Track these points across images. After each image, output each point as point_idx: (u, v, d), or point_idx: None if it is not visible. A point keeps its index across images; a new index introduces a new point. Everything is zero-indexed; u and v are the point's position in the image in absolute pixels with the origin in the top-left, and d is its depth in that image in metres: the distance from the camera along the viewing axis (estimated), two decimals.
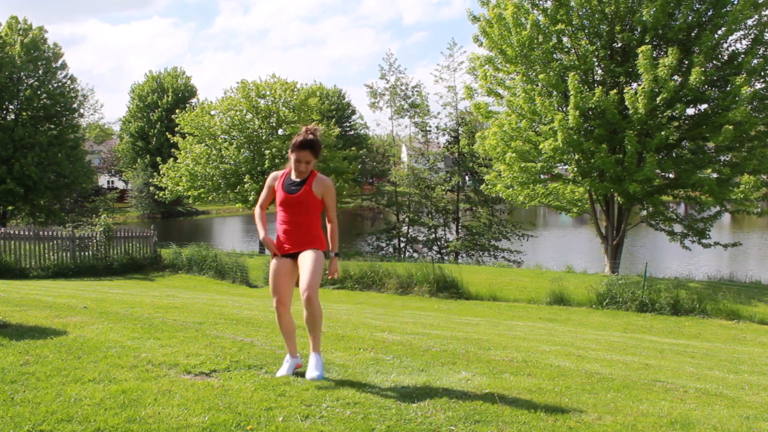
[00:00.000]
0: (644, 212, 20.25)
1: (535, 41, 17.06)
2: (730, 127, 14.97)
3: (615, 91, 16.36)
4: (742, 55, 16.61)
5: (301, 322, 4.20)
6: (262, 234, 4.18)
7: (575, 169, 17.68)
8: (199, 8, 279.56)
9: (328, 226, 4.23)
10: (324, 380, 4.01)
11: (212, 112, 29.42)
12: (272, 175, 4.28)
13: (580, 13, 17.30)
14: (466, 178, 31.61)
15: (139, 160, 57.39)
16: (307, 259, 4.08)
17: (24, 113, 31.89)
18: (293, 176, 4.15)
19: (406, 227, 30.68)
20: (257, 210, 4.31)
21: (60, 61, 33.28)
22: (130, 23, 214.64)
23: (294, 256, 4.16)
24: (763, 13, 16.58)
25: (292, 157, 4.09)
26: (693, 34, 16.72)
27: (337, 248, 4.28)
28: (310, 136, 4.05)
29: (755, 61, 16.18)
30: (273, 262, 4.20)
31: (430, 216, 30.22)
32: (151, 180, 39.08)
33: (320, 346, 4.20)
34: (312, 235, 4.15)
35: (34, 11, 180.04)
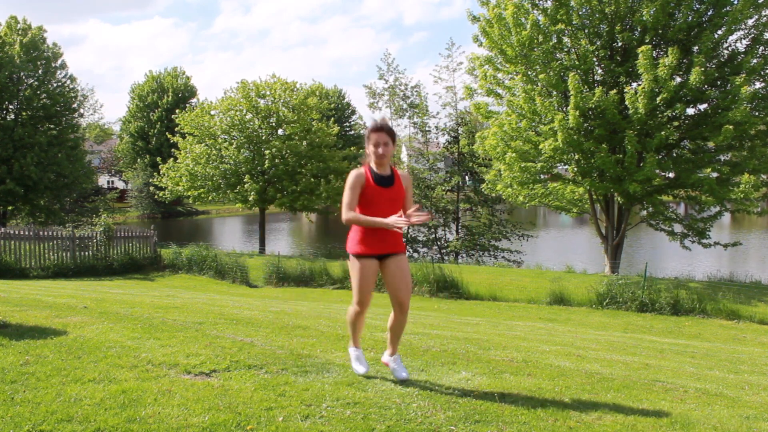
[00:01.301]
0: (644, 212, 20.24)
1: (535, 41, 17.06)
2: (730, 126, 14.97)
3: (615, 91, 16.36)
4: (742, 55, 16.61)
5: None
6: (384, 220, 3.82)
7: (575, 169, 17.68)
8: (200, 8, 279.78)
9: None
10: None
11: (212, 112, 29.41)
12: (354, 174, 3.96)
13: (580, 12, 17.29)
14: (466, 178, 31.61)
15: (139, 160, 57.40)
16: (403, 266, 4.00)
17: (24, 113, 31.89)
18: (377, 169, 3.97)
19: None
20: (351, 214, 3.90)
21: (59, 61, 33.28)
22: (130, 23, 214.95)
23: (379, 257, 4.02)
24: (763, 13, 16.58)
25: (370, 143, 3.95)
26: (693, 34, 16.72)
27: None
28: (383, 120, 4.02)
29: (754, 60, 16.17)
30: (360, 267, 3.95)
31: (429, 216, 30.19)
32: (151, 180, 39.08)
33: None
34: (400, 233, 4.05)
35: (35, 11, 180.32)
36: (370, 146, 3.96)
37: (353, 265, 4.01)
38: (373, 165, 4.00)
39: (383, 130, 3.96)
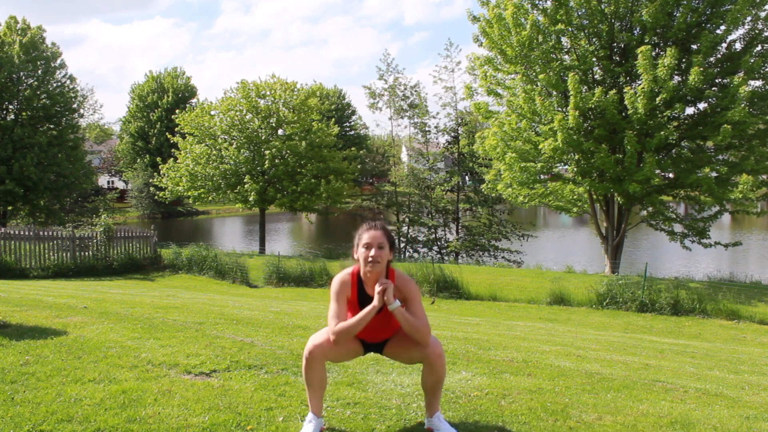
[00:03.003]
0: (644, 212, 20.24)
1: (535, 41, 17.06)
2: (729, 126, 14.98)
3: (614, 91, 16.36)
4: (741, 54, 16.61)
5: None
6: (372, 304, 3.15)
7: (575, 169, 17.69)
8: (201, 8, 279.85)
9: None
10: None
11: (212, 113, 29.41)
12: (338, 282, 3.28)
13: (580, 13, 17.30)
14: (466, 178, 31.60)
15: (139, 160, 57.39)
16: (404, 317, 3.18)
17: (23, 113, 31.87)
18: (366, 281, 3.27)
19: (406, 227, 30.68)
20: (340, 326, 3.16)
21: (58, 61, 33.26)
22: (132, 23, 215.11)
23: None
24: (762, 8, 16.57)
25: (361, 243, 3.23)
26: (692, 33, 16.72)
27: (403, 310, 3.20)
28: (380, 222, 3.35)
29: (752, 60, 16.16)
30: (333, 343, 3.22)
31: (430, 216, 30.22)
32: (151, 180, 39.07)
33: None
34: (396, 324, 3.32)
35: (36, 11, 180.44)
36: (361, 248, 3.22)
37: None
38: (362, 273, 3.27)
39: (378, 228, 3.25)
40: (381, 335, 3.35)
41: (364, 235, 3.23)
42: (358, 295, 3.27)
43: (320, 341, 3.21)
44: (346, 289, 3.26)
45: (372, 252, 3.17)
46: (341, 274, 3.31)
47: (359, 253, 3.23)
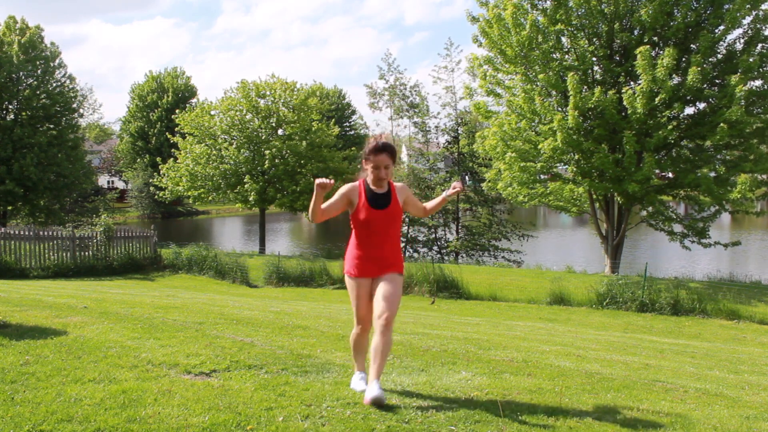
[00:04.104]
0: (644, 212, 20.23)
1: (535, 41, 17.06)
2: (725, 126, 14.99)
3: (614, 91, 16.36)
4: (739, 54, 16.61)
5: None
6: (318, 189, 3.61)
7: (575, 169, 17.69)
8: (202, 8, 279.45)
9: (427, 205, 4.14)
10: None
11: (212, 112, 29.40)
12: (348, 186, 3.82)
13: (579, 13, 17.30)
14: (466, 178, 31.59)
15: (139, 160, 57.38)
16: (390, 283, 3.74)
17: (23, 113, 31.87)
18: (374, 186, 3.81)
19: (406, 227, 30.69)
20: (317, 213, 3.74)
21: (57, 61, 33.26)
22: (132, 23, 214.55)
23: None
24: (761, 8, 16.57)
25: (369, 164, 3.76)
26: (691, 33, 16.73)
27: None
28: (385, 141, 3.79)
29: (751, 59, 16.16)
30: (353, 285, 3.83)
31: (430, 216, 30.20)
32: (151, 180, 39.06)
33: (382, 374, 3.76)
34: (397, 252, 3.88)
35: (36, 11, 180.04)
36: (370, 167, 3.77)
37: (348, 285, 3.91)
38: (369, 181, 3.82)
39: (385, 151, 3.74)
40: (385, 230, 3.82)
41: (373, 157, 3.73)
42: (368, 198, 3.77)
43: (354, 329, 3.94)
44: (351, 193, 3.79)
45: (381, 173, 3.74)
46: (349, 184, 3.84)
47: (369, 170, 3.78)
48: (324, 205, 3.76)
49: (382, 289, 3.73)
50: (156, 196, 34.21)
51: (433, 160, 30.87)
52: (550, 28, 17.06)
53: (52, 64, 32.84)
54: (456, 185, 3.97)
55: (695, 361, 6.51)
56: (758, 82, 17.03)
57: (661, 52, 16.44)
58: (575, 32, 17.64)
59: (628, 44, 17.09)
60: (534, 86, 17.66)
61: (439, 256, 28.32)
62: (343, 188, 3.82)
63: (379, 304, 3.70)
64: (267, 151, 27.03)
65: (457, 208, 30.16)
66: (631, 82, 17.03)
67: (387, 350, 3.66)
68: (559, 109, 17.49)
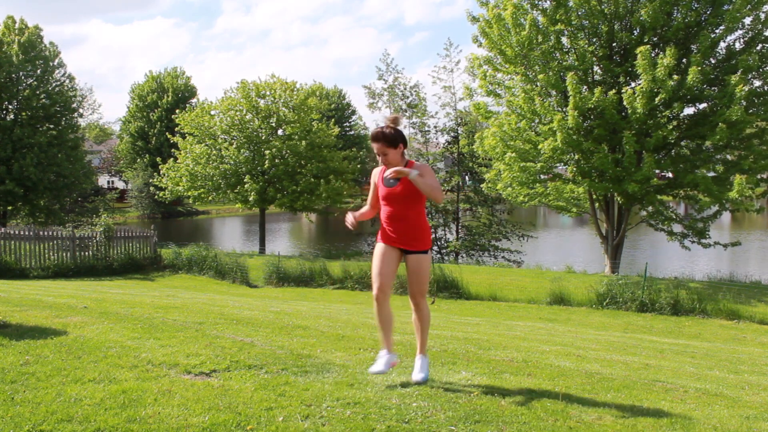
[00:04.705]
0: (644, 212, 20.23)
1: (534, 41, 17.06)
2: (724, 126, 14.99)
3: (614, 91, 16.36)
4: (739, 54, 16.61)
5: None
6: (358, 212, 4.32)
7: (575, 169, 17.68)
8: (202, 8, 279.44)
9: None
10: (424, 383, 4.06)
11: (212, 112, 29.40)
12: (374, 171, 4.29)
13: (579, 13, 17.30)
14: (466, 178, 31.57)
15: (139, 160, 57.37)
16: (417, 263, 4.13)
17: (23, 113, 31.85)
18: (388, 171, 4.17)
19: None
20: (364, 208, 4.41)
21: (57, 60, 33.24)
22: (132, 23, 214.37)
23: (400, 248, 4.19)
24: (762, 9, 16.57)
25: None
26: (691, 33, 16.73)
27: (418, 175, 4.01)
28: (379, 129, 4.09)
29: (751, 59, 16.16)
30: (376, 248, 4.19)
31: (429, 216, 30.20)
32: (151, 180, 39.05)
33: (426, 348, 4.30)
34: (419, 228, 4.14)
35: (36, 11, 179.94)
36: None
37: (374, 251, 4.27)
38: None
39: (378, 140, 4.07)
40: (402, 206, 4.11)
41: (372, 146, 4.16)
42: (383, 177, 4.17)
43: (374, 289, 4.11)
44: (375, 176, 4.26)
45: (380, 160, 4.13)
46: (377, 168, 4.29)
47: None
48: (366, 205, 4.39)
49: (408, 270, 4.15)
50: (156, 196, 34.20)
51: (432, 160, 30.85)
52: (550, 28, 17.06)
53: (51, 64, 32.82)
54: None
55: (695, 361, 6.51)
56: (758, 83, 17.04)
57: (661, 52, 16.44)
58: (575, 32, 17.64)
59: (628, 44, 17.09)
60: (534, 86, 17.66)
61: (439, 256, 28.30)
62: (372, 175, 4.30)
63: (410, 285, 4.16)
64: (267, 151, 27.03)
65: (457, 208, 30.16)
66: (631, 82, 17.03)
67: (425, 324, 4.20)
68: (559, 109, 17.48)
